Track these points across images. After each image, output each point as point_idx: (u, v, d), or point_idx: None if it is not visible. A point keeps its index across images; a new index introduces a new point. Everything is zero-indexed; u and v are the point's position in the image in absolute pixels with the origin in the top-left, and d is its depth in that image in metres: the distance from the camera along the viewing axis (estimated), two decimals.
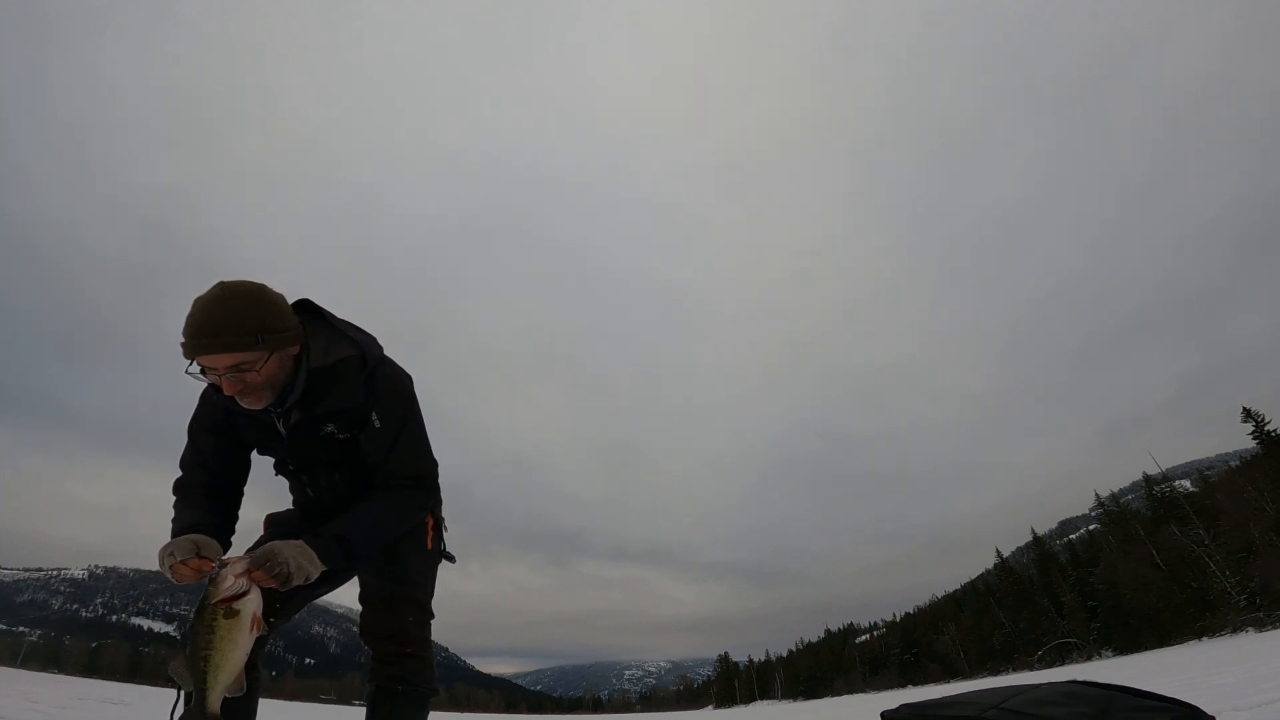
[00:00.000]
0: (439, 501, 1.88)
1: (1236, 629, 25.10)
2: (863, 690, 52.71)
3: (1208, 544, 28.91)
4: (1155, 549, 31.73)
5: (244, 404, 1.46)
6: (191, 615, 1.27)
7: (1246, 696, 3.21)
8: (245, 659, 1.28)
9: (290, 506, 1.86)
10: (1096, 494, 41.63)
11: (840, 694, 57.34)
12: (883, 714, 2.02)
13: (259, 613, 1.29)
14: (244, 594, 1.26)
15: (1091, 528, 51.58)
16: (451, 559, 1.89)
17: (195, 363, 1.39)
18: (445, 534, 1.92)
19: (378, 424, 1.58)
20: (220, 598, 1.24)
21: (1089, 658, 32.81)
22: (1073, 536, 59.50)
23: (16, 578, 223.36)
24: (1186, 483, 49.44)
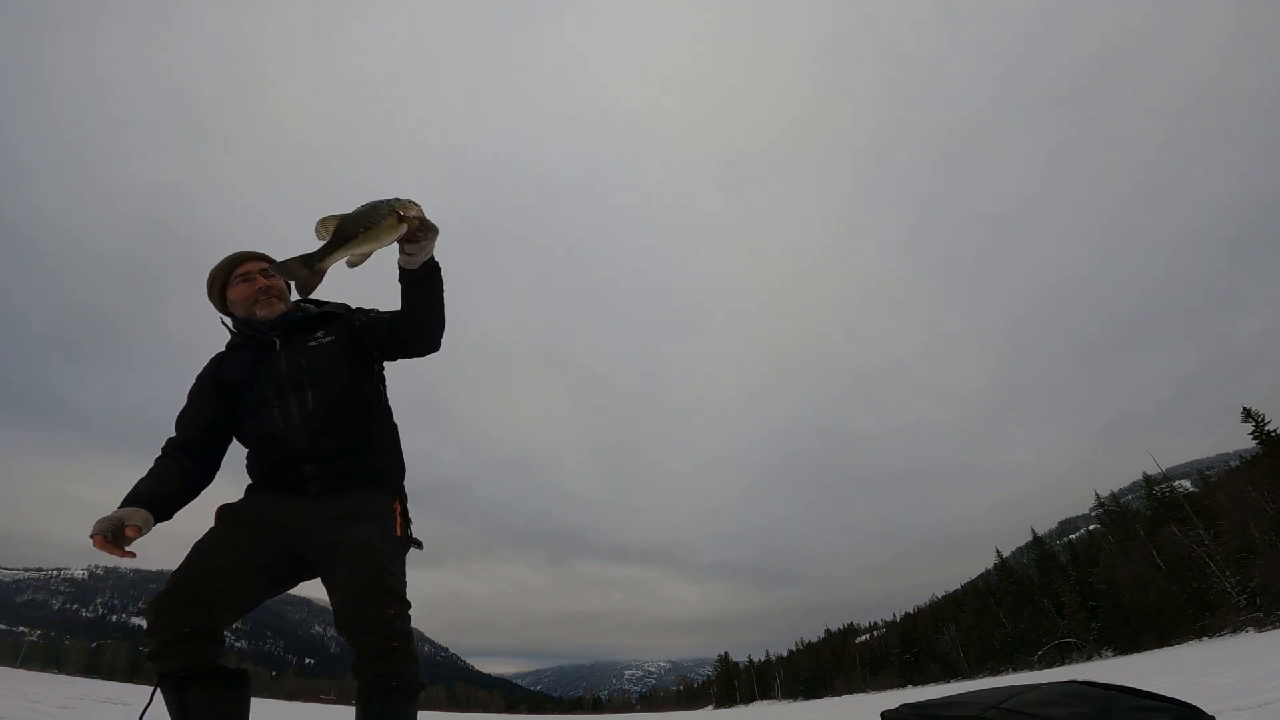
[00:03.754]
0: (403, 490, 1.83)
1: (1236, 629, 25.10)
2: (863, 690, 52.69)
3: (1208, 544, 28.91)
4: (1155, 549, 31.73)
5: (263, 308, 1.82)
6: (363, 205, 1.51)
7: (1246, 696, 3.21)
8: (368, 255, 1.52)
9: (240, 497, 1.76)
10: (1096, 494, 41.70)
11: (840, 694, 57.33)
12: (883, 714, 2.02)
13: (400, 234, 1.53)
14: (409, 215, 1.51)
15: (1091, 528, 51.57)
16: (419, 545, 1.79)
17: (235, 275, 1.84)
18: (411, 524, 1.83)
19: (362, 321, 1.83)
20: (401, 206, 1.50)
21: (1089, 658, 32.81)
22: (1073, 536, 59.48)
23: (16, 578, 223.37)
24: (1186, 483, 49.47)
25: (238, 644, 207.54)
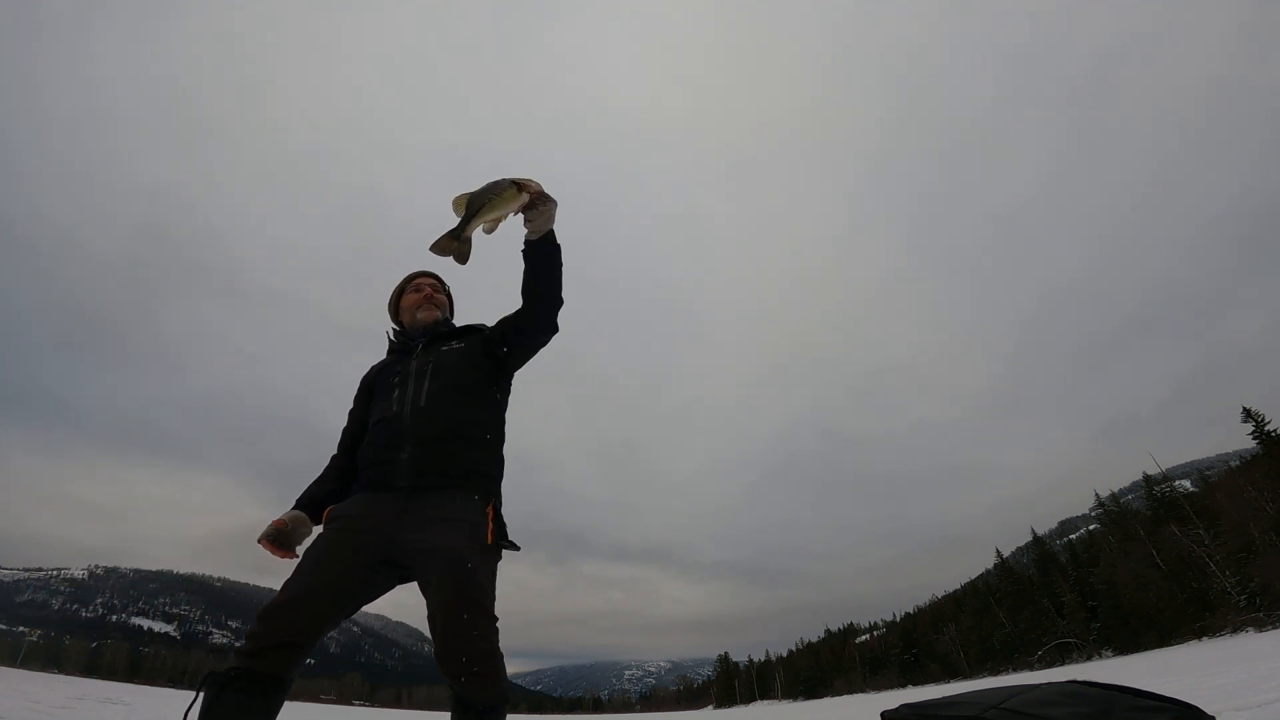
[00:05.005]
0: (499, 494, 1.84)
1: (1236, 629, 25.08)
2: (863, 690, 52.69)
3: (1208, 544, 28.89)
4: (1155, 549, 31.71)
5: (424, 312, 2.11)
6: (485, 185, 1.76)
7: (1246, 696, 3.21)
8: (499, 222, 1.78)
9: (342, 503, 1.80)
10: (1096, 494, 41.67)
11: (840, 694, 57.32)
12: (883, 714, 2.02)
13: (524, 205, 1.77)
14: (527, 185, 1.75)
15: (1091, 528, 51.55)
16: (515, 547, 1.76)
17: (410, 287, 2.17)
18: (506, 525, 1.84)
19: (493, 326, 2.03)
20: (517, 177, 1.75)
21: (1089, 658, 32.80)
22: (1073, 536, 59.47)
23: (16, 578, 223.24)
24: (1186, 483, 49.48)
25: (238, 644, 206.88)
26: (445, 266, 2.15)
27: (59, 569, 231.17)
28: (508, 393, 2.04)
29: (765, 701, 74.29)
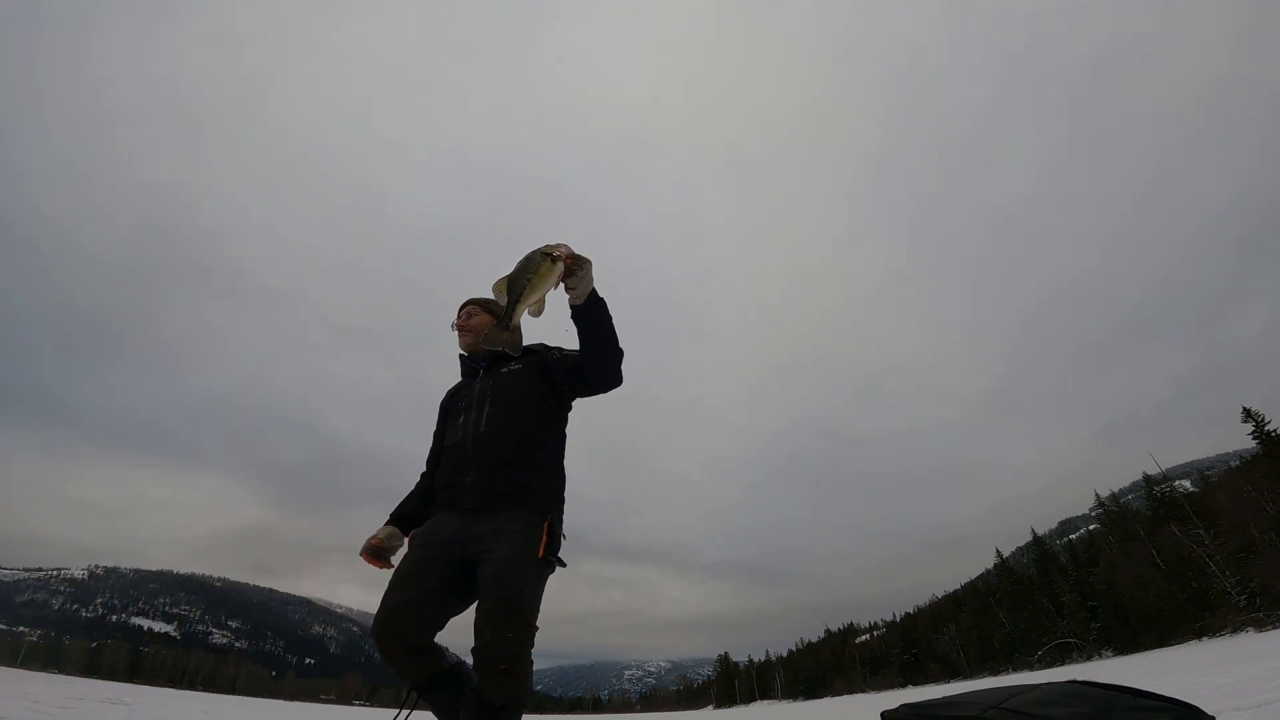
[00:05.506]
0: (560, 512, 2.00)
1: (1236, 629, 25.06)
2: (863, 690, 52.67)
3: (1208, 544, 28.87)
4: (1155, 549, 31.70)
5: (461, 343, 2.34)
6: (519, 261, 1.78)
7: (1246, 696, 3.21)
8: (543, 301, 1.81)
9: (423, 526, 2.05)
10: (1096, 494, 41.63)
11: (840, 694, 57.30)
12: (883, 714, 2.02)
13: (562, 277, 1.78)
14: (560, 254, 1.76)
15: (1091, 528, 51.52)
16: (562, 564, 1.92)
17: (458, 316, 2.37)
18: (563, 542, 1.99)
19: (553, 354, 2.17)
20: (547, 247, 1.76)
21: (1089, 658, 32.79)
22: (1073, 536, 59.42)
23: (16, 578, 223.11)
24: (1186, 483, 49.43)
25: (238, 644, 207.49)
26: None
27: (59, 569, 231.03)
28: (568, 409, 2.19)
29: (765, 701, 74.27)
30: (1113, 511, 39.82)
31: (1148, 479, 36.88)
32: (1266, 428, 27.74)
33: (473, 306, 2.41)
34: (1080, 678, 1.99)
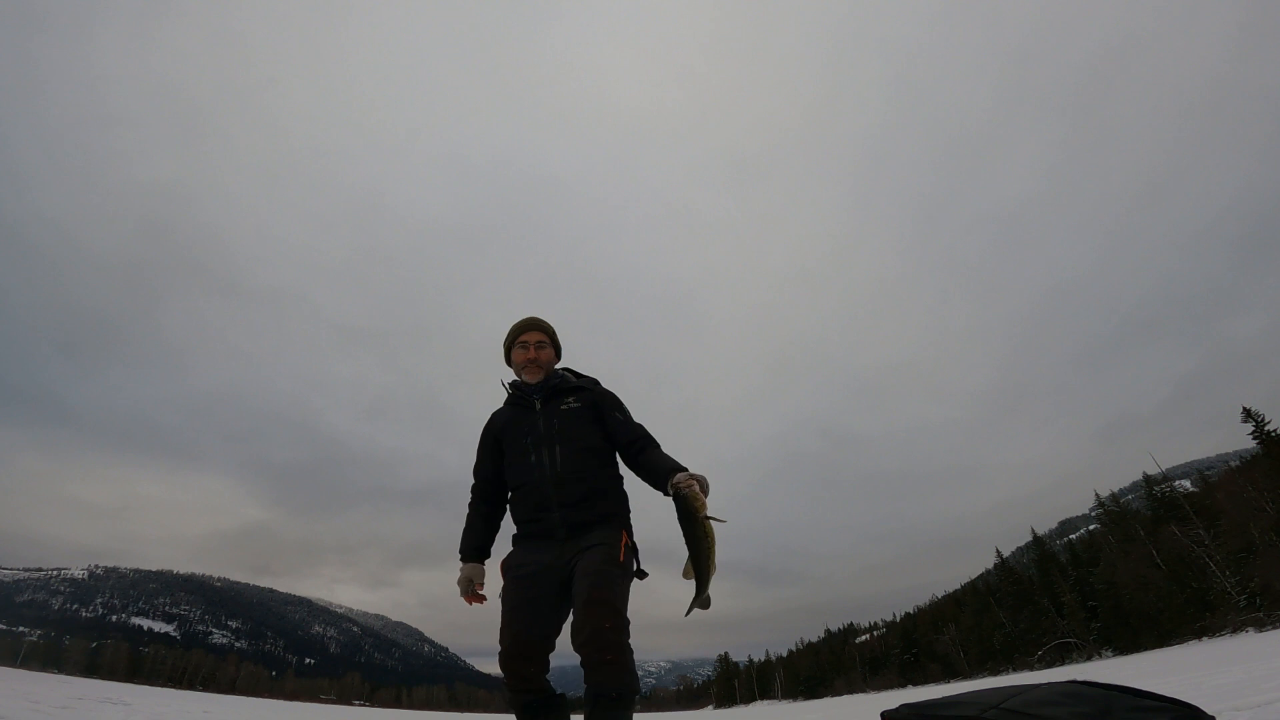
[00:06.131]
0: (630, 526, 2.24)
1: (1236, 629, 25.06)
2: (863, 690, 52.69)
3: (1208, 544, 28.87)
4: (1155, 549, 31.68)
5: (530, 375, 2.38)
6: (683, 526, 1.92)
7: (1246, 696, 3.20)
8: (714, 546, 1.94)
9: (511, 550, 2.25)
10: (1096, 494, 41.51)
11: (840, 694, 57.30)
12: (883, 714, 2.02)
13: (707, 514, 1.92)
14: (699, 500, 1.91)
15: (1091, 528, 51.52)
16: (643, 575, 2.17)
17: (517, 342, 2.41)
18: (638, 552, 2.22)
19: (618, 415, 2.33)
20: (694, 503, 1.88)
21: (1089, 658, 32.79)
22: (1073, 536, 59.40)
23: (16, 578, 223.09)
24: (1186, 483, 49.39)
25: (238, 644, 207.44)
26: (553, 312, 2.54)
27: (59, 569, 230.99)
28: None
29: (765, 701, 74.25)
30: (1113, 511, 39.78)
31: (1148, 479, 36.85)
32: (1266, 428, 27.72)
33: (542, 337, 2.43)
34: (1080, 678, 1.99)
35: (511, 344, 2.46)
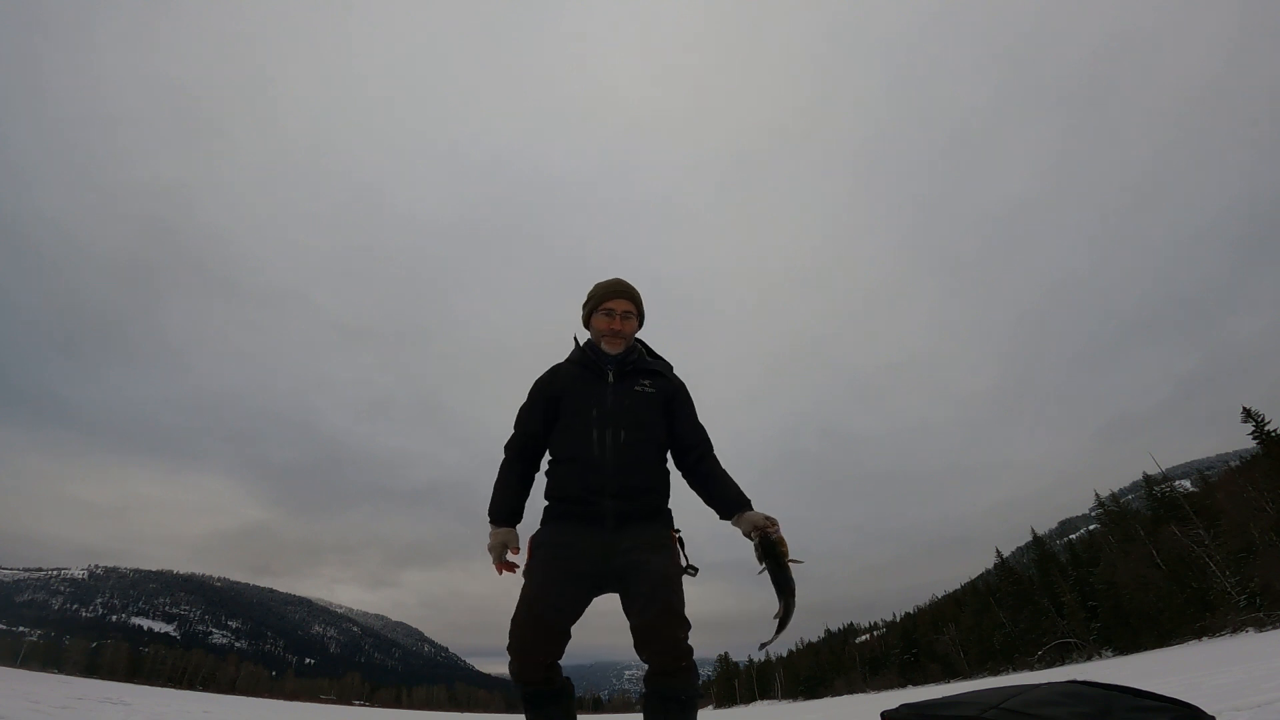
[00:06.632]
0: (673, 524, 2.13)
1: (1236, 629, 25.06)
2: (863, 690, 52.66)
3: (1208, 544, 28.87)
4: (1155, 549, 31.68)
5: (611, 346, 2.17)
6: (766, 562, 1.95)
7: (1246, 696, 3.20)
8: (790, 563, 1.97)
9: (543, 527, 2.06)
10: (1096, 494, 41.49)
11: (840, 694, 57.28)
12: (883, 714, 2.02)
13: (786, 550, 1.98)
14: (783, 544, 1.99)
15: (1091, 528, 51.49)
16: (695, 571, 2.05)
17: (602, 307, 2.17)
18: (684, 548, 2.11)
19: (688, 412, 2.20)
20: (778, 545, 1.95)
21: (1089, 658, 32.78)
22: (1073, 536, 59.40)
23: (16, 578, 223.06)
24: (1186, 483, 49.38)
25: (238, 644, 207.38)
26: (648, 281, 2.17)
27: (59, 569, 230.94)
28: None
29: (765, 701, 74.22)
30: (1113, 511, 39.77)
31: (1148, 479, 36.84)
32: (1266, 428, 27.71)
33: (630, 306, 2.20)
34: (1080, 678, 1.99)
35: (595, 309, 2.20)
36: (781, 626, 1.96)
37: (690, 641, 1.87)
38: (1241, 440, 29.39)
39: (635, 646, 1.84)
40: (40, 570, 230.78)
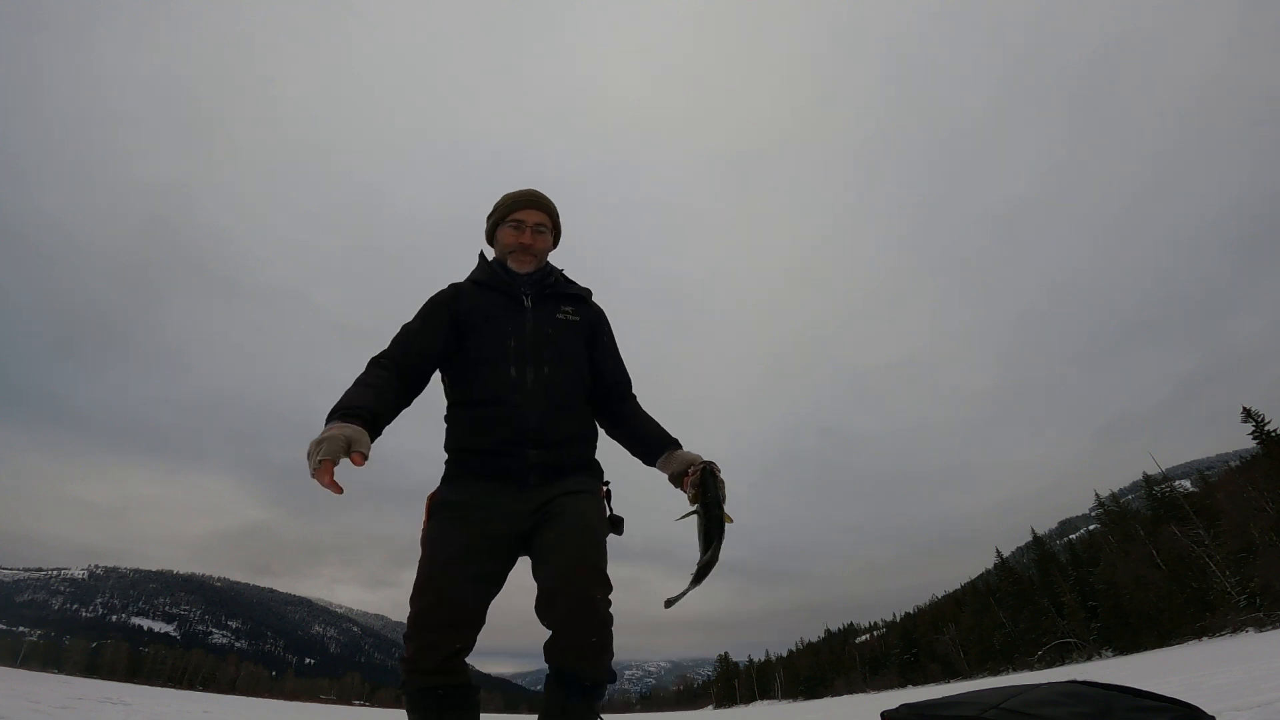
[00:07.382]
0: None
1: (1236, 629, 25.10)
2: (863, 690, 52.71)
3: (1208, 544, 28.91)
4: (1155, 549, 31.72)
5: (519, 264, 1.79)
6: (700, 503, 1.61)
7: (1246, 696, 3.20)
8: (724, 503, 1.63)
9: (444, 484, 1.65)
10: (1096, 494, 41.60)
11: (840, 694, 57.34)
12: (883, 714, 2.02)
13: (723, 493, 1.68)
14: (718, 492, 1.65)
15: (1091, 528, 51.55)
16: (620, 530, 1.68)
17: (510, 218, 1.81)
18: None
19: (610, 343, 1.89)
20: (717, 492, 1.62)
21: (1089, 658, 32.81)
22: (1073, 536, 59.48)
23: (16, 578, 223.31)
24: (1186, 483, 49.44)
25: (238, 644, 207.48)
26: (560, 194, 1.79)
27: (59, 569, 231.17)
28: None
29: (765, 701, 74.31)
30: (1113, 511, 39.82)
31: (1148, 479, 36.88)
32: (1266, 428, 27.76)
33: (543, 218, 1.83)
34: (1080, 678, 1.99)
35: (501, 220, 1.84)
36: (699, 578, 1.58)
37: (609, 610, 1.44)
38: (1241, 440, 29.47)
39: (536, 606, 1.42)
40: (40, 570, 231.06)
